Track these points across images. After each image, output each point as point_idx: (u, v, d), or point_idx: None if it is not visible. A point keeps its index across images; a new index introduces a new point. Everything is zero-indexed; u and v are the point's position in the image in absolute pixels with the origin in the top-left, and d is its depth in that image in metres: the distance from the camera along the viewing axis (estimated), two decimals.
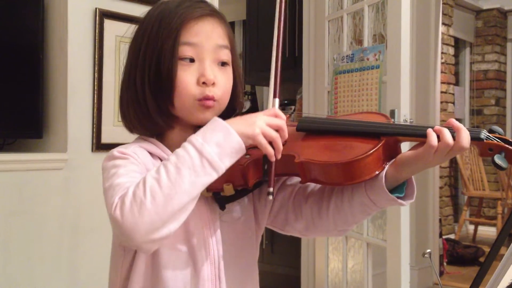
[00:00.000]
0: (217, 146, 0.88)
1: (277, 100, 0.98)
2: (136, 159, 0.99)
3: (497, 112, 6.69)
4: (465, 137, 0.90)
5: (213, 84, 1.02)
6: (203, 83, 1.01)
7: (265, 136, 0.91)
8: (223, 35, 1.05)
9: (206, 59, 1.02)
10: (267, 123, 0.92)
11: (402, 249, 2.51)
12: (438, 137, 0.91)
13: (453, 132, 0.91)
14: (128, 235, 0.85)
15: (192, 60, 1.02)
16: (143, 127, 1.06)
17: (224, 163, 0.88)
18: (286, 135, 0.93)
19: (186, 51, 1.01)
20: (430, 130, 0.91)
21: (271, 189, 0.91)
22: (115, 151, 1.00)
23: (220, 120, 0.92)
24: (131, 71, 1.05)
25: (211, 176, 0.88)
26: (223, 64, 1.05)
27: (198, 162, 0.87)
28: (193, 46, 1.02)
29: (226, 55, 1.05)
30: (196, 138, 0.89)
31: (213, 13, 1.05)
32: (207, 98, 1.01)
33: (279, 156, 0.92)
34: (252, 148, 0.98)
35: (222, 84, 1.04)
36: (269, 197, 0.91)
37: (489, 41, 6.68)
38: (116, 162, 0.97)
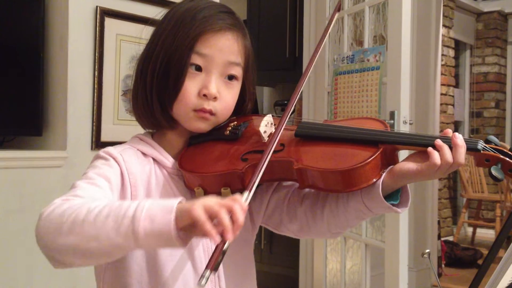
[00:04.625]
0: (151, 221, 0.78)
1: (246, 193, 0.86)
2: (118, 161, 1.00)
3: (496, 114, 6.70)
4: (462, 153, 0.91)
5: (215, 98, 1.02)
6: (204, 95, 1.02)
7: (206, 210, 0.76)
8: (237, 52, 1.05)
9: (214, 72, 1.03)
10: (217, 201, 0.78)
11: (400, 250, 2.51)
12: (438, 152, 0.91)
13: (451, 145, 0.92)
14: (38, 239, 0.86)
15: (199, 69, 1.02)
16: (147, 121, 1.08)
17: (148, 241, 0.78)
18: (239, 219, 0.77)
19: (195, 59, 1.01)
20: (432, 149, 0.91)
21: (206, 272, 0.75)
22: (101, 151, 1.02)
23: (179, 200, 0.80)
24: (144, 64, 1.05)
25: (126, 243, 0.79)
26: (231, 78, 1.05)
27: (125, 225, 0.79)
28: (203, 57, 1.02)
29: (235, 71, 1.05)
30: (147, 202, 0.81)
31: (232, 27, 1.04)
32: (204, 110, 1.02)
33: (228, 236, 0.76)
34: (249, 152, 0.98)
35: (224, 99, 1.04)
36: (201, 282, 0.75)
37: (489, 43, 6.69)
38: (96, 162, 1.00)
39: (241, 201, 0.79)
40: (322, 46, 1.10)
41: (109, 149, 1.03)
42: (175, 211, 0.78)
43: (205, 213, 0.76)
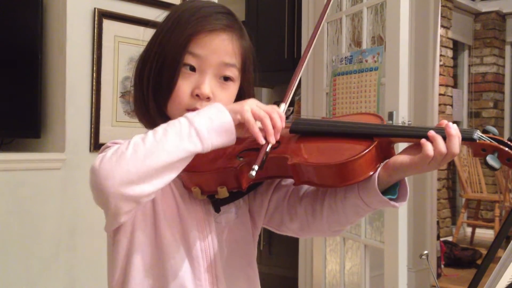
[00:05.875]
0: (208, 119, 0.89)
1: (283, 104, 0.99)
2: None
3: (495, 114, 6.70)
4: (456, 143, 0.90)
5: (208, 98, 1.02)
6: (197, 95, 1.02)
7: (253, 114, 0.90)
8: (232, 53, 1.04)
9: (208, 72, 1.02)
10: (259, 106, 0.92)
11: (399, 251, 2.51)
12: (432, 143, 0.90)
13: (445, 136, 0.91)
14: (101, 182, 0.86)
15: (193, 69, 1.02)
16: (146, 121, 1.09)
17: (211, 138, 0.89)
18: (278, 124, 0.91)
19: (189, 59, 1.02)
20: (425, 141, 0.90)
21: (255, 166, 0.89)
22: (109, 142, 1.03)
23: (217, 102, 0.94)
24: (142, 64, 1.07)
25: (195, 145, 0.88)
26: (226, 79, 1.05)
27: (186, 129, 0.88)
28: (197, 57, 1.02)
29: (231, 72, 1.05)
30: (191, 112, 0.91)
31: (227, 28, 1.03)
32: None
33: (271, 139, 0.90)
34: (246, 150, 0.98)
35: (219, 99, 1.03)
36: (251, 173, 0.88)
37: (487, 43, 6.70)
38: (108, 148, 1.00)
39: (279, 109, 0.94)
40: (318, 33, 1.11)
41: (117, 140, 1.04)
42: (227, 109, 0.90)
43: (252, 115, 0.90)
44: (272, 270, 3.88)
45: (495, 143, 0.91)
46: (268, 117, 0.91)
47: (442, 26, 5.66)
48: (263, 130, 0.91)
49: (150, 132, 0.89)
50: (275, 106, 0.94)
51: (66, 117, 2.19)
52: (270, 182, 1.11)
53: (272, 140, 0.90)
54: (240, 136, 0.93)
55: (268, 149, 0.91)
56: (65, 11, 2.19)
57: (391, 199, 0.96)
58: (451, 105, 6.18)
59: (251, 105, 0.91)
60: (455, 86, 6.46)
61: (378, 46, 2.77)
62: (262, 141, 0.90)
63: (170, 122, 0.90)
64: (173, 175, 0.89)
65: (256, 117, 0.90)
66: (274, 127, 0.91)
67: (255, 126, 0.90)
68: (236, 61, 1.05)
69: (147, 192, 0.87)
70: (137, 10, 2.38)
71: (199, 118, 0.89)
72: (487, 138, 0.91)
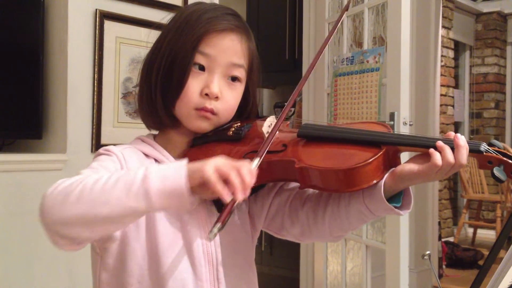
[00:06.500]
0: (162, 179, 0.81)
1: (257, 159, 0.89)
2: (118, 158, 1.01)
3: (496, 115, 6.70)
4: (464, 154, 0.92)
5: (216, 98, 1.03)
6: (206, 94, 1.03)
7: (218, 171, 0.80)
8: (241, 54, 1.06)
9: (216, 72, 1.04)
10: (227, 162, 0.82)
11: (401, 251, 2.51)
12: (440, 153, 0.92)
13: (453, 147, 0.92)
14: (42, 214, 0.88)
15: (202, 68, 1.03)
16: (152, 120, 1.09)
17: (160, 201, 0.80)
18: (247, 180, 0.81)
19: (199, 58, 1.03)
20: (433, 150, 0.92)
21: (217, 226, 0.79)
22: (101, 149, 1.04)
23: (185, 161, 0.84)
24: (150, 63, 1.07)
25: (138, 205, 0.80)
26: (234, 79, 1.06)
27: (137, 185, 0.81)
28: (206, 57, 1.03)
29: (239, 73, 1.06)
30: (154, 166, 0.85)
31: (237, 28, 1.05)
32: (205, 109, 1.03)
33: (238, 195, 0.79)
34: (252, 152, 0.98)
35: (226, 99, 1.05)
36: (210, 236, 0.79)
37: (488, 44, 6.69)
38: (99, 157, 1.02)
39: (249, 164, 0.84)
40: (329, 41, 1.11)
41: (110, 147, 1.04)
42: (186, 170, 0.81)
43: (216, 173, 0.80)
44: (274, 270, 3.88)
45: (501, 157, 0.93)
46: (235, 172, 0.80)
47: (443, 26, 5.66)
48: (231, 186, 0.80)
49: (107, 176, 0.84)
50: (246, 162, 0.84)
51: (68, 118, 2.19)
52: (272, 185, 1.11)
53: (240, 197, 0.79)
54: (206, 197, 0.86)
55: (233, 208, 0.81)
56: (66, 12, 2.19)
57: (395, 207, 0.97)
58: (453, 106, 6.17)
59: (215, 163, 0.81)
60: (456, 86, 6.46)
61: (379, 47, 2.77)
62: (228, 198, 0.79)
63: (130, 170, 0.85)
64: (118, 227, 0.87)
65: (221, 174, 0.80)
66: (242, 182, 0.80)
67: (217, 184, 0.79)
68: (244, 62, 1.07)
69: (85, 237, 0.85)
70: (138, 11, 2.38)
71: (155, 175, 0.81)
72: (493, 151, 0.94)
